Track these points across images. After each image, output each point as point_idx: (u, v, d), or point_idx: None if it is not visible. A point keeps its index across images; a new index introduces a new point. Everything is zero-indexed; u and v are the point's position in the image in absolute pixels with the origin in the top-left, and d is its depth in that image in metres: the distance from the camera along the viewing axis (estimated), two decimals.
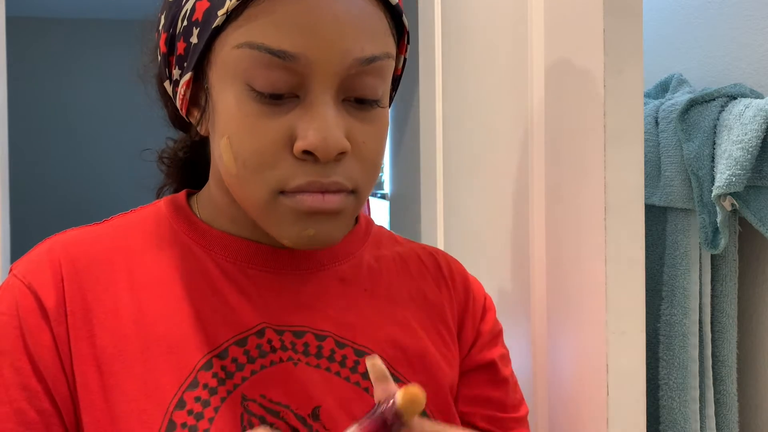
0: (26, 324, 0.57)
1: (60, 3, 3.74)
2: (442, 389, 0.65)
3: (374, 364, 0.51)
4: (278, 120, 0.55)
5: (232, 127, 0.56)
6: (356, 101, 0.57)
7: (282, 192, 0.55)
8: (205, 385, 0.57)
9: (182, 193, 0.67)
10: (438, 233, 1.13)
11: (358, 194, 0.58)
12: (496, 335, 0.72)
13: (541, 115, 0.89)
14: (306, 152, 0.54)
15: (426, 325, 0.67)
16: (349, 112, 0.57)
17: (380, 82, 0.57)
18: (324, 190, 0.55)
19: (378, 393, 0.50)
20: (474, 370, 0.70)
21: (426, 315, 0.68)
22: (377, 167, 0.60)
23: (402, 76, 0.67)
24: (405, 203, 1.24)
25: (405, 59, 0.65)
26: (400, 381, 0.63)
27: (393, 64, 0.59)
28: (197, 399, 0.57)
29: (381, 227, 0.74)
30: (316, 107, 0.54)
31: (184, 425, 0.56)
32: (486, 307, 0.73)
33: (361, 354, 0.62)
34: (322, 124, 0.54)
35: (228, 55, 0.55)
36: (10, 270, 0.61)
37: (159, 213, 0.66)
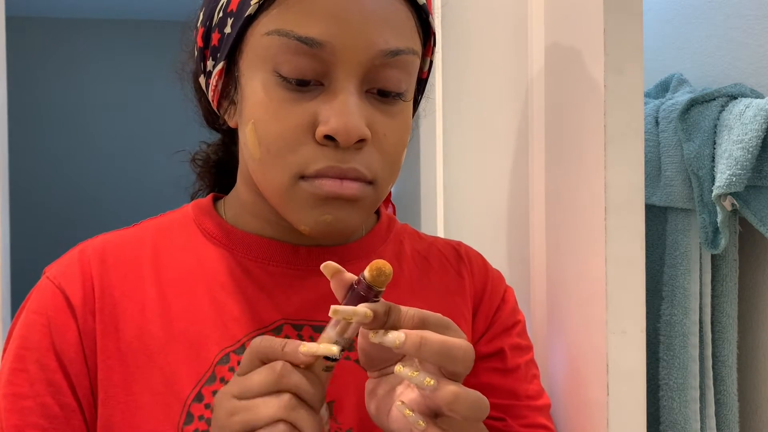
0: (54, 322, 0.60)
1: (60, 3, 3.73)
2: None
3: (327, 264, 0.52)
4: (302, 106, 0.56)
5: (258, 112, 0.57)
6: (380, 94, 0.58)
7: (302, 177, 0.57)
8: (222, 379, 0.59)
9: (209, 197, 0.70)
10: (438, 233, 1.13)
11: (376, 185, 0.59)
12: (511, 326, 0.72)
13: (541, 115, 0.89)
14: (327, 137, 0.56)
15: (446, 314, 0.67)
16: (372, 103, 0.58)
17: (404, 76, 0.59)
18: (343, 176, 0.56)
19: (335, 285, 0.52)
20: (481, 359, 0.70)
21: (448, 306, 0.68)
22: (397, 161, 0.61)
23: (427, 79, 0.68)
24: (405, 203, 1.24)
25: (431, 62, 0.66)
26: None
27: (418, 61, 0.61)
28: (215, 393, 0.58)
29: (405, 225, 0.74)
30: (339, 95, 0.56)
31: (201, 418, 0.58)
32: (504, 299, 0.72)
33: None
34: (343, 110, 0.55)
35: (258, 42, 0.57)
36: (44, 273, 0.63)
37: (186, 215, 0.68)
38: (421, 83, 0.67)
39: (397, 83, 0.58)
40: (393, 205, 0.80)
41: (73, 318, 0.60)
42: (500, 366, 0.70)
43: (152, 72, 3.55)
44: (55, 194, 3.94)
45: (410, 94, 0.61)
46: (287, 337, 0.62)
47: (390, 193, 0.79)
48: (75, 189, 3.96)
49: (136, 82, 3.89)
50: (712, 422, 0.90)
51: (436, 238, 0.75)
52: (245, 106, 0.59)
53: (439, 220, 1.00)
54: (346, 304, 0.50)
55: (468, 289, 0.71)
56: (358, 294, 0.50)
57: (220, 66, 0.61)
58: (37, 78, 3.89)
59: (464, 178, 0.99)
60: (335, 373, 0.61)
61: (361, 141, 0.57)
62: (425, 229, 1.11)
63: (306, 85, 0.56)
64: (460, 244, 0.75)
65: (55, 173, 3.95)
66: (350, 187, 0.57)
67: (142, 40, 3.84)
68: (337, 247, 0.66)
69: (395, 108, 0.59)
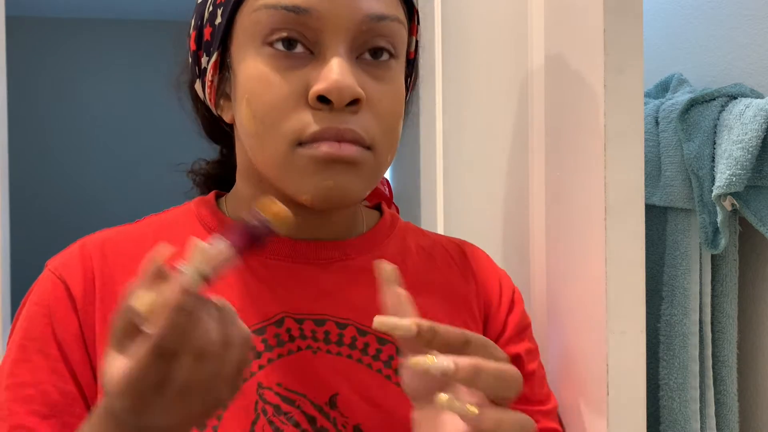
0: (55, 312, 0.60)
1: (60, 3, 3.73)
2: None
3: (384, 267, 0.51)
4: (294, 74, 0.57)
5: (250, 85, 0.58)
6: (371, 55, 0.59)
7: (300, 144, 0.57)
8: None
9: (212, 194, 0.70)
10: (438, 233, 1.12)
11: (375, 151, 0.59)
12: (524, 329, 0.72)
13: (541, 115, 0.89)
14: (320, 100, 0.56)
15: (451, 314, 0.67)
16: (364, 69, 0.59)
17: (392, 42, 0.60)
18: (340, 138, 0.56)
19: (386, 295, 0.50)
20: None
21: (451, 305, 0.68)
22: (394, 128, 0.61)
23: (415, 60, 0.68)
24: (405, 203, 1.24)
25: (417, 42, 0.66)
26: None
27: (404, 32, 0.61)
28: None
29: (408, 222, 0.74)
30: (329, 58, 0.56)
31: None
32: (514, 300, 0.72)
33: (384, 342, 0.63)
34: (334, 69, 0.56)
35: (247, 21, 0.58)
36: (46, 266, 0.64)
37: (188, 211, 0.68)
38: (410, 64, 0.67)
39: (386, 44, 0.59)
40: (396, 206, 0.80)
41: (74, 308, 0.60)
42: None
43: (152, 72, 3.55)
44: (55, 194, 3.94)
45: (401, 61, 0.61)
46: (288, 329, 0.61)
47: (392, 193, 0.79)
48: (75, 189, 3.96)
49: (135, 82, 3.89)
50: (712, 422, 0.90)
51: (440, 236, 0.75)
52: (238, 85, 0.60)
53: (439, 220, 1.00)
54: (231, 240, 0.45)
55: (475, 292, 0.70)
56: (243, 222, 0.46)
57: (214, 58, 0.61)
58: (37, 78, 3.89)
59: (464, 178, 0.99)
60: (331, 366, 0.61)
61: (355, 103, 0.57)
62: (425, 228, 1.11)
63: (295, 54, 0.57)
64: (465, 243, 0.74)
65: (54, 173, 3.95)
66: (349, 149, 0.56)
67: (142, 40, 3.84)
68: (339, 242, 0.66)
69: (387, 74, 0.60)
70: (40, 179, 3.90)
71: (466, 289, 0.70)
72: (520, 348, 0.70)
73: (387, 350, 0.63)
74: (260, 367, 0.60)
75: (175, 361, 0.43)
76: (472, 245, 0.75)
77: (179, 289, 0.43)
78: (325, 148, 0.56)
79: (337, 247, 0.65)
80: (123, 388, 0.44)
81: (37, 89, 3.89)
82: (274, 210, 0.47)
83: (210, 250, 0.44)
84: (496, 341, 0.69)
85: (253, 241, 0.46)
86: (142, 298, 0.44)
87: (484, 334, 0.69)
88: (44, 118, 3.92)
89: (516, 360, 0.70)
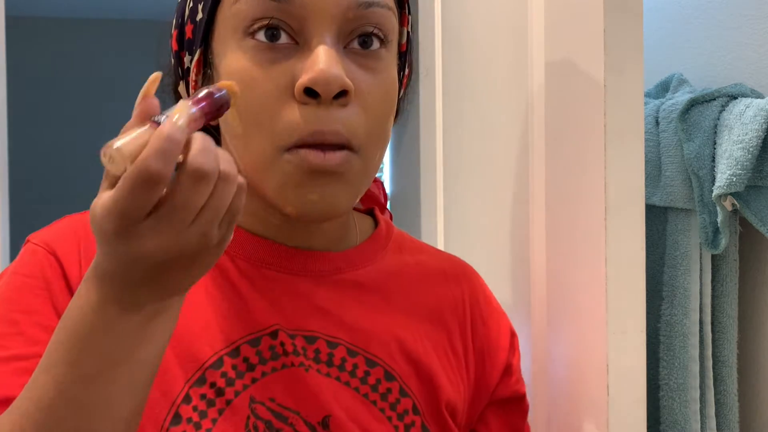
0: (53, 287, 0.56)
1: (60, 3, 3.73)
2: (441, 406, 0.64)
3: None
4: (279, 67, 0.55)
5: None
6: (360, 45, 0.56)
7: (286, 150, 0.54)
8: (213, 384, 0.57)
9: None
10: (438, 233, 1.13)
11: (362, 154, 0.56)
12: (519, 367, 0.72)
13: (541, 115, 0.89)
14: (307, 93, 0.53)
15: (436, 342, 0.65)
16: (353, 59, 0.56)
17: (382, 30, 0.57)
18: (325, 143, 0.54)
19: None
20: (514, 400, 0.70)
21: (438, 334, 0.66)
22: (383, 124, 0.58)
23: (408, 53, 0.66)
24: (405, 203, 1.25)
25: (408, 33, 0.64)
26: (408, 396, 0.62)
27: (394, 20, 0.59)
28: (203, 397, 0.56)
29: (402, 232, 0.72)
30: (314, 48, 0.54)
31: (189, 420, 0.55)
32: (513, 333, 0.72)
33: (373, 364, 0.61)
34: (321, 58, 0.53)
35: (228, 14, 0.56)
36: (28, 240, 0.60)
37: None
38: (402, 57, 0.64)
39: (375, 31, 0.56)
40: (390, 212, 0.79)
41: (68, 288, 0.56)
42: (525, 410, 0.71)
43: (153, 72, 3.55)
44: (55, 194, 3.94)
45: (392, 51, 0.59)
46: (282, 343, 0.59)
47: (386, 197, 0.78)
48: (75, 189, 3.96)
49: (136, 82, 3.88)
50: (712, 422, 0.90)
51: (440, 253, 0.74)
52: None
53: (439, 221, 1.00)
54: (197, 103, 0.45)
55: (462, 325, 0.68)
56: (215, 97, 0.46)
57: (197, 55, 0.59)
58: (37, 78, 3.89)
59: (464, 179, 0.99)
60: (323, 387, 0.59)
61: (344, 96, 0.54)
62: (425, 230, 1.11)
63: (279, 45, 0.55)
64: (465, 269, 0.72)
65: (55, 173, 3.95)
66: (333, 158, 0.54)
67: (142, 40, 3.84)
68: (333, 254, 0.63)
69: (378, 64, 0.57)
70: (40, 179, 3.90)
71: (454, 317, 0.68)
72: (524, 389, 0.71)
73: (375, 373, 0.61)
74: (253, 380, 0.58)
75: (164, 185, 0.41)
76: (472, 273, 0.73)
77: (167, 123, 0.42)
78: (311, 158, 0.54)
79: (331, 259, 0.63)
80: (108, 211, 0.42)
81: (37, 89, 3.89)
82: (227, 84, 0.47)
83: (181, 105, 0.45)
84: (501, 377, 0.69)
85: (216, 106, 0.47)
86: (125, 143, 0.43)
87: (482, 367, 0.68)
88: (44, 118, 3.92)
89: (522, 399, 0.71)
